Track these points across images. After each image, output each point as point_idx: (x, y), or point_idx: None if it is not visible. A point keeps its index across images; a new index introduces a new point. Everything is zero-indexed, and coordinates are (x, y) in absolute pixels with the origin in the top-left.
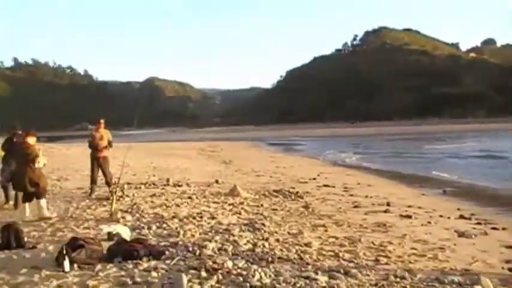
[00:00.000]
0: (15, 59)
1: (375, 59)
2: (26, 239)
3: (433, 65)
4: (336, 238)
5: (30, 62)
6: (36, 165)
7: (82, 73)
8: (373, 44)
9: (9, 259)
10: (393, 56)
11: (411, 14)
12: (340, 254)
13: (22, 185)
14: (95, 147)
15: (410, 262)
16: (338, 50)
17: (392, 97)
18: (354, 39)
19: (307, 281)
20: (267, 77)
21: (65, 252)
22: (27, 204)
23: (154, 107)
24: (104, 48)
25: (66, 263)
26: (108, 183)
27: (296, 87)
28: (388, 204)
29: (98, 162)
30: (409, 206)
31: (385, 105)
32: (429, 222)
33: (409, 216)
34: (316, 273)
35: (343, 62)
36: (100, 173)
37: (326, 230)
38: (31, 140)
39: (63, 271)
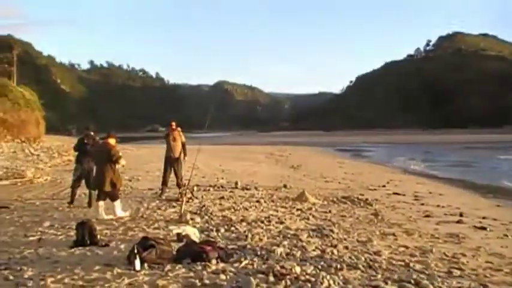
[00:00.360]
0: (91, 62)
1: (449, 64)
2: (99, 236)
3: (511, 71)
4: (406, 247)
5: (105, 64)
6: (117, 167)
7: (154, 76)
8: (447, 49)
9: (83, 255)
10: (468, 61)
11: (488, 19)
12: (411, 264)
13: (101, 184)
14: (169, 149)
15: (485, 276)
16: (410, 56)
17: (467, 104)
18: (427, 44)
19: None
20: (336, 83)
21: (136, 251)
22: (102, 203)
23: (223, 110)
24: (174, 51)
25: (137, 262)
26: (179, 185)
27: (366, 92)
28: (461, 215)
29: (171, 163)
30: (483, 217)
31: (459, 113)
32: (506, 235)
33: (484, 228)
34: (386, 283)
35: (415, 68)
36: (171, 174)
37: (396, 239)
38: (112, 141)
39: (134, 270)
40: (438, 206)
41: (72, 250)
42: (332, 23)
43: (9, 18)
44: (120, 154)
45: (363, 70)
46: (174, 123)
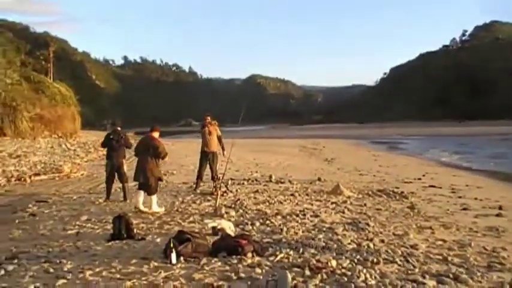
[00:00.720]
0: (125, 57)
1: (486, 55)
2: (135, 230)
3: None
4: (444, 241)
5: (138, 60)
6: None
7: (187, 70)
8: (484, 39)
9: (120, 249)
10: (506, 51)
11: None
12: (449, 258)
13: (145, 177)
14: (205, 143)
15: None
16: (445, 46)
17: (505, 95)
18: (463, 34)
19: (415, 285)
20: (370, 75)
21: (172, 245)
22: (142, 192)
23: (256, 104)
24: (207, 45)
25: (173, 256)
26: (213, 179)
27: (400, 84)
28: (500, 208)
29: (207, 158)
30: None
31: (497, 104)
32: None
33: None
34: (424, 277)
35: (451, 59)
36: (206, 168)
37: (433, 233)
38: (156, 135)
39: (170, 263)
40: (476, 198)
41: (109, 244)
42: (366, 15)
43: (46, 16)
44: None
45: (397, 62)
46: (208, 117)
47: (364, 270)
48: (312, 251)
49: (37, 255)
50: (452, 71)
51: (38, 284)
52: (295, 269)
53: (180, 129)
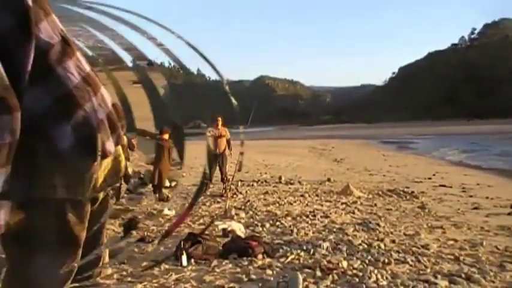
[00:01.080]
0: (133, 60)
1: (495, 52)
2: (145, 232)
3: None
4: (456, 241)
5: None
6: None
7: (195, 72)
8: (493, 37)
9: (131, 251)
10: None
11: None
12: (461, 258)
13: (160, 180)
14: (215, 145)
15: None
16: (454, 45)
17: None
18: (472, 32)
19: (426, 285)
20: (378, 74)
21: (182, 247)
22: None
23: (265, 105)
24: (215, 47)
25: (184, 258)
26: (223, 180)
27: (409, 83)
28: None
29: (216, 160)
30: None
31: (506, 102)
32: None
33: None
34: (436, 277)
35: (460, 57)
36: (216, 170)
37: (444, 232)
38: (166, 137)
39: (181, 265)
40: (487, 197)
41: (120, 246)
42: (374, 15)
43: None
44: None
45: (407, 61)
46: (219, 118)
47: (376, 271)
48: (323, 251)
49: None
50: (461, 70)
51: None
52: (306, 270)
53: (189, 131)
